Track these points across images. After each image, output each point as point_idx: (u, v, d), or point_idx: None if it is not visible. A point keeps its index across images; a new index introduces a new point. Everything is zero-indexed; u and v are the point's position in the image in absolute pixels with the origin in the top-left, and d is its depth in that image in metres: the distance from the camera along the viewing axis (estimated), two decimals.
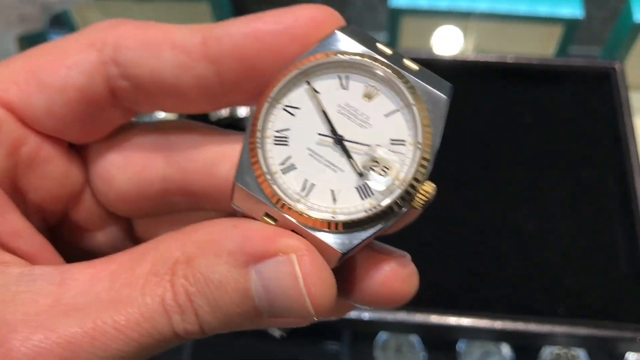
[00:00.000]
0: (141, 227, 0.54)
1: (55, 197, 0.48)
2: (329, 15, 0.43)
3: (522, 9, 1.72)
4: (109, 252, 0.53)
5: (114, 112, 0.47)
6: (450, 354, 1.35)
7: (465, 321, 1.16)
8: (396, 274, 0.44)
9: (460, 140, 1.41)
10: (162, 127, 0.50)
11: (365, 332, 1.38)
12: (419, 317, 1.17)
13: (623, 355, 1.32)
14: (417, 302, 1.20)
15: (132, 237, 0.55)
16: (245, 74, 0.43)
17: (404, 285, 0.44)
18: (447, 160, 1.41)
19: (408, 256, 0.46)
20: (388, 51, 0.43)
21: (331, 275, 0.40)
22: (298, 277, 0.39)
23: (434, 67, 1.58)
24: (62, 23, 1.86)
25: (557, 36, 1.78)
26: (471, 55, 1.51)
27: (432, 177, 0.41)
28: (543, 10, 1.71)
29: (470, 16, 1.76)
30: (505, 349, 1.34)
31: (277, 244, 0.39)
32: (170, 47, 0.43)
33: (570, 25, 1.73)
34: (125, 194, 0.49)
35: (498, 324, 1.16)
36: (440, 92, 0.42)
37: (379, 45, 0.43)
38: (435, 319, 1.17)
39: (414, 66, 0.43)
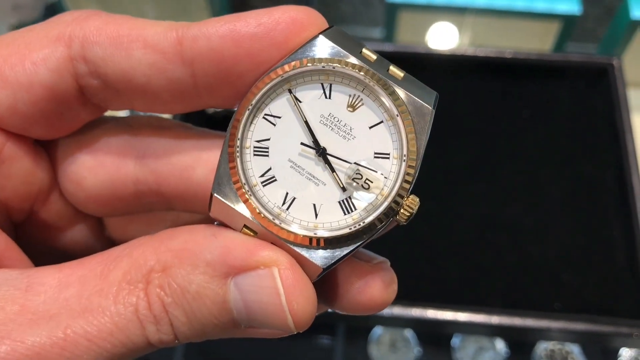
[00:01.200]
0: (112, 225, 0.53)
1: (21, 195, 0.46)
2: (312, 18, 0.41)
3: (519, 4, 1.71)
4: (78, 250, 0.51)
5: (83, 110, 0.45)
6: (445, 349, 1.35)
7: (462, 316, 1.16)
8: (376, 282, 0.43)
9: (457, 135, 1.41)
10: (134, 125, 0.48)
11: (360, 326, 1.37)
12: (415, 312, 1.16)
13: (617, 351, 1.33)
14: (414, 297, 1.20)
15: (102, 235, 0.53)
16: (222, 77, 0.41)
17: (384, 293, 0.43)
18: (444, 155, 1.41)
19: (387, 262, 0.45)
20: (373, 57, 0.41)
21: (312, 290, 0.39)
22: (280, 293, 0.38)
23: (432, 61, 1.57)
24: (57, 12, 1.84)
25: (553, 32, 1.78)
26: (469, 50, 1.51)
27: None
28: (540, 6, 1.71)
29: (467, 11, 1.76)
30: (500, 345, 1.34)
31: (258, 256, 0.38)
32: (142, 45, 0.40)
33: (567, 22, 1.73)
34: (97, 196, 0.47)
35: (495, 319, 1.15)
36: (426, 102, 0.41)
37: (364, 51, 0.41)
38: (431, 313, 1.16)
39: (399, 73, 0.41)
